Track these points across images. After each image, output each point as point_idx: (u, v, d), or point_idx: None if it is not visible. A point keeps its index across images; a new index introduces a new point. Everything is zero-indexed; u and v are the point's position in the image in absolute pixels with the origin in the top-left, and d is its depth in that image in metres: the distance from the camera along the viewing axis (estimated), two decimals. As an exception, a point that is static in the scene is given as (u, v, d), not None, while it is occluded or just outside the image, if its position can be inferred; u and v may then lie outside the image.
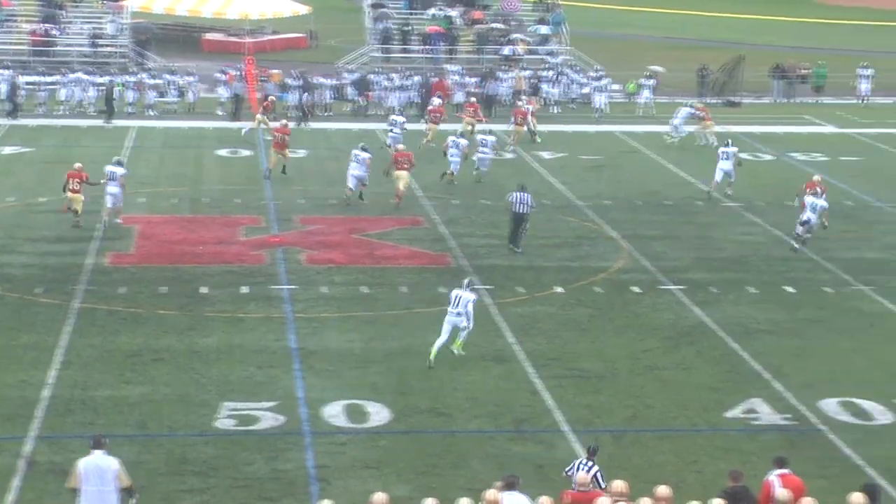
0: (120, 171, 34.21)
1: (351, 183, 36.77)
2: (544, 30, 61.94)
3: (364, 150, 37.25)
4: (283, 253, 31.57)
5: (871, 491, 16.14)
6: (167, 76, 53.93)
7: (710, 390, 23.14)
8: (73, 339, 24.97)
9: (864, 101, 59.74)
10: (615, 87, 58.16)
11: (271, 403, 21.96)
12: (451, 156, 39.78)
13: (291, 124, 44.37)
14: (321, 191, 38.47)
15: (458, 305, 24.25)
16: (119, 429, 20.77)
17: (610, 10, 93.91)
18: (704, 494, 16.80)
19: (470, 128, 45.26)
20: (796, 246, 32.56)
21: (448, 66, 57.77)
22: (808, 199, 32.92)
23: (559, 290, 29.00)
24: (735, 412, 22.13)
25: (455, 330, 24.25)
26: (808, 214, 32.62)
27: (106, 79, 53.02)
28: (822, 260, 31.89)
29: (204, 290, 28.40)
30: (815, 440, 21.14)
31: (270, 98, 49.16)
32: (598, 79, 55.94)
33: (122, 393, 22.33)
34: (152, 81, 53.13)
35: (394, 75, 54.49)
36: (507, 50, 59.52)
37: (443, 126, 45.66)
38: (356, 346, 24.99)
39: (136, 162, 42.30)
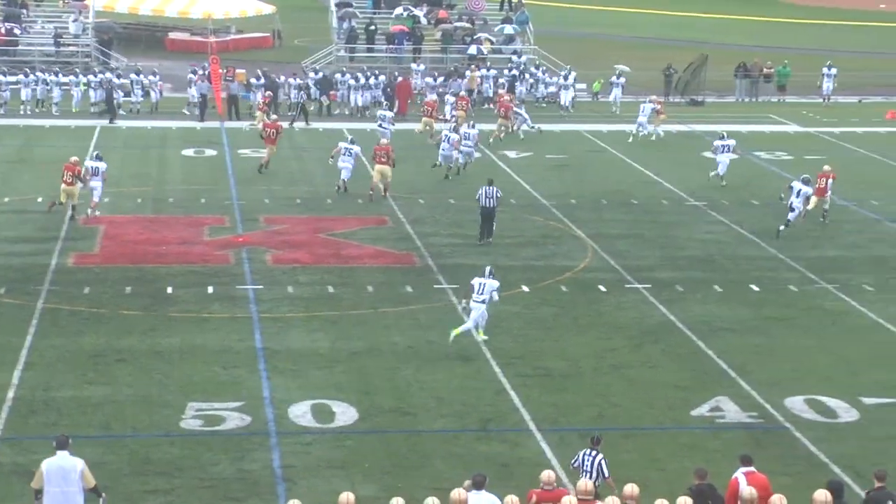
0: (102, 165, 35.04)
1: (344, 175, 37.86)
2: (509, 29, 61.97)
3: (353, 142, 38.57)
4: (248, 253, 31.45)
5: (836, 488, 16.21)
6: (132, 76, 53.61)
7: (675, 389, 23.18)
8: (36, 339, 24.80)
9: (827, 101, 60.07)
10: (580, 85, 58.27)
11: (237, 403, 21.87)
12: (442, 150, 40.61)
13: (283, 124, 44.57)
14: (286, 190, 38.35)
15: (482, 293, 25.01)
16: (82, 430, 20.62)
17: (574, 10, 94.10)
18: (670, 492, 16.83)
19: (455, 123, 45.64)
20: (780, 228, 33.94)
21: (413, 66, 57.75)
22: (795, 185, 34.42)
23: (525, 289, 29.00)
24: (701, 410, 22.18)
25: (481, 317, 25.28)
26: (793, 200, 34.18)
27: (70, 78, 52.74)
28: (787, 258, 32.02)
29: (168, 290, 28.25)
30: (781, 438, 21.21)
31: (268, 93, 49.65)
32: (566, 77, 56.31)
33: (85, 394, 22.18)
34: (118, 81, 52.73)
35: (359, 74, 54.44)
36: (473, 49, 59.50)
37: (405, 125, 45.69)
38: (322, 346, 24.91)
39: (100, 162, 42.07)
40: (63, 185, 33.77)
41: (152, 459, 19.66)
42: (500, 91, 53.36)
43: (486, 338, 25.24)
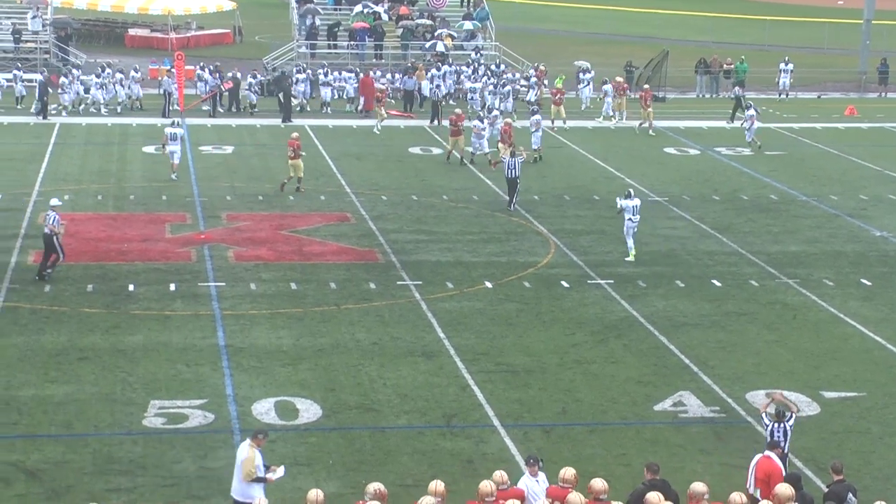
0: (180, 131, 39.38)
1: (484, 147, 42.29)
2: (469, 25, 62.02)
3: (480, 119, 43.28)
4: (210, 250, 31.33)
5: (794, 480, 16.33)
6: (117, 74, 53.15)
7: (638, 384, 23.26)
8: (-4, 338, 24.64)
9: (785, 96, 60.54)
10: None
11: (200, 401, 21.79)
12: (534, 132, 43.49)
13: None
14: (248, 187, 38.24)
15: (636, 213, 31.11)
16: (44, 429, 20.52)
17: (533, 6, 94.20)
18: (633, 487, 16.91)
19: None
20: None
21: (374, 60, 57.96)
22: None
23: (488, 285, 29.04)
24: (664, 405, 22.26)
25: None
26: None
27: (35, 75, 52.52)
28: (748, 253, 32.21)
29: (130, 288, 28.11)
30: (743, 432, 21.32)
31: (383, 89, 50.17)
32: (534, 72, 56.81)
33: (46, 392, 22.04)
34: (98, 80, 52.10)
35: (319, 71, 54.50)
36: (440, 46, 59.41)
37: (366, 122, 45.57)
38: (285, 343, 24.86)
39: (60, 159, 41.86)
40: (289, 161, 37.25)
41: (115, 458, 19.56)
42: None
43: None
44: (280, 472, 17.17)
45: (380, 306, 27.23)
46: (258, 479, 16.86)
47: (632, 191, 32.00)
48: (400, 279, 29.25)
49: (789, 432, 18.38)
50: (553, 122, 49.33)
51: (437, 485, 15.62)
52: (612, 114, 52.33)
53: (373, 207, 36.08)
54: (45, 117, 48.60)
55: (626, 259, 31.00)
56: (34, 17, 59.91)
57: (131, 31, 72.20)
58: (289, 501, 17.83)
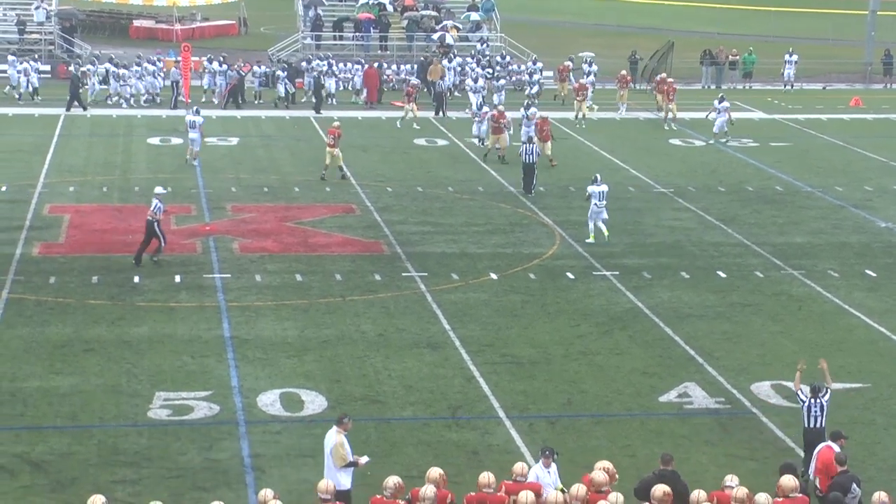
0: (199, 119, 39.35)
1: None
2: (475, 16, 61.95)
3: (526, 107, 42.65)
4: (216, 242, 31.34)
5: (792, 470, 16.37)
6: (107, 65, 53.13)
7: (643, 375, 23.26)
8: (1, 329, 24.64)
9: (790, 87, 60.45)
10: (547, 73, 58.30)
11: (205, 393, 21.82)
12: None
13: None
14: (253, 179, 38.24)
15: (602, 199, 31.68)
16: (49, 420, 20.55)
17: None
18: (638, 478, 16.91)
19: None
20: None
21: (381, 53, 57.87)
22: None
23: (493, 276, 29.04)
24: (669, 396, 22.26)
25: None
26: None
27: (87, 67, 52.44)
28: (753, 245, 32.18)
29: (135, 279, 28.13)
30: (748, 423, 21.33)
31: (413, 83, 50.14)
32: (534, 63, 56.63)
33: (51, 384, 22.07)
34: (127, 71, 52.08)
35: (326, 62, 54.47)
36: (448, 38, 59.28)
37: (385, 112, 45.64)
38: (290, 335, 24.87)
39: (64, 150, 41.87)
40: (327, 148, 37.86)
41: (120, 449, 19.58)
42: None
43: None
44: (366, 458, 17.44)
45: (385, 298, 27.24)
46: (350, 464, 17.03)
47: (598, 176, 32.42)
48: (405, 271, 29.26)
49: (825, 407, 18.51)
50: (577, 117, 49.15)
51: (433, 471, 15.84)
52: (594, 106, 51.99)
53: (378, 199, 36.08)
54: (84, 108, 48.75)
55: (587, 241, 31.68)
56: (38, 7, 59.89)
57: (136, 23, 72.18)
58: (294, 493, 17.85)
